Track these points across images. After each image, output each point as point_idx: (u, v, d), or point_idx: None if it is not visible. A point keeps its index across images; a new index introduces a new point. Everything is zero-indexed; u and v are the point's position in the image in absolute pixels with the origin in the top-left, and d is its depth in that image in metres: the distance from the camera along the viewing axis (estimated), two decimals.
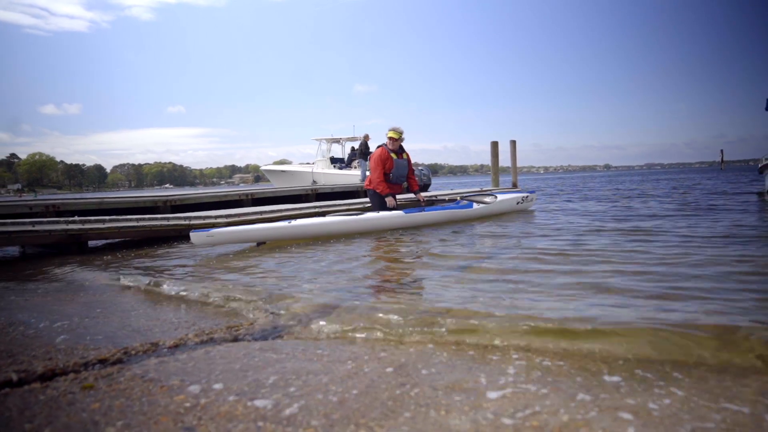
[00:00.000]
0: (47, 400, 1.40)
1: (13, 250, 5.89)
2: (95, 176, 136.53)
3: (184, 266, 4.17)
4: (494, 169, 16.42)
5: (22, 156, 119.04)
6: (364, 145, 17.36)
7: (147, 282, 3.29)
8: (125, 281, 3.44)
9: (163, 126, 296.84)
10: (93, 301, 2.84)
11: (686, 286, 2.59)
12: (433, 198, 9.20)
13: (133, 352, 1.86)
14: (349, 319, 2.20)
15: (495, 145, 16.20)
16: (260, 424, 1.23)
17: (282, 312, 2.43)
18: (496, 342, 1.86)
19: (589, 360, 1.65)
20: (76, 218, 5.28)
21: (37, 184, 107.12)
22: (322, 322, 2.19)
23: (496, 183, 16.34)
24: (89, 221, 5.31)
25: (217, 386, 1.50)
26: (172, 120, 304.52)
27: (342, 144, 23.91)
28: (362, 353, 1.80)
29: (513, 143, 16.88)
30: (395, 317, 2.14)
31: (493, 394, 1.38)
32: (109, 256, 4.95)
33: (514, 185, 16.70)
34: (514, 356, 1.71)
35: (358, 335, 2.05)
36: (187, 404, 1.36)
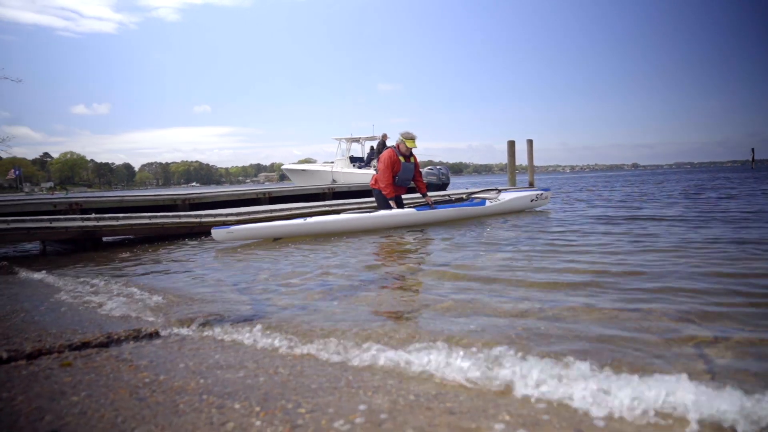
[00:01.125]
0: (28, 375, 1.58)
1: (35, 247, 6.18)
2: (124, 175, 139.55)
3: (187, 261, 4.38)
4: (510, 168, 16.44)
5: (55, 155, 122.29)
6: (382, 145, 17.49)
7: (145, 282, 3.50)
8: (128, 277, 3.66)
9: (190, 125, 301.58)
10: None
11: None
12: (442, 197, 9.31)
13: (115, 337, 2.04)
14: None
15: (512, 145, 16.21)
16: (204, 397, 1.39)
17: (263, 306, 2.60)
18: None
19: None
20: (92, 215, 5.55)
21: (68, 182, 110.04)
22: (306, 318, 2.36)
23: (512, 182, 16.35)
24: (103, 218, 5.57)
25: (181, 365, 1.67)
26: (199, 119, 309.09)
27: (362, 143, 24.12)
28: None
29: (529, 142, 16.88)
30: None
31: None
32: (127, 253, 5.19)
33: (531, 184, 16.69)
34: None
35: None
36: (147, 380, 1.53)
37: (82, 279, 3.53)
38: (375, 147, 18.91)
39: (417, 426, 1.18)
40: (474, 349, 1.66)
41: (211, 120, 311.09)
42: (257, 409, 1.30)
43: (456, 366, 1.54)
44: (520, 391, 1.37)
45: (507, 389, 1.40)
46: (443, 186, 17.96)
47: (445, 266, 3.45)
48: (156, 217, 5.95)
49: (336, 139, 23.96)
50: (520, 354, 1.60)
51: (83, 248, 5.48)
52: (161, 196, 10.98)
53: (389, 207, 6.65)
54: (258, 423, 1.22)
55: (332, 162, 23.57)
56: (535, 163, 17.33)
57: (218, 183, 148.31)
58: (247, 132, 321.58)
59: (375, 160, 18.73)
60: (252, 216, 6.83)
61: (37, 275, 3.84)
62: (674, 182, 19.92)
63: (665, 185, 17.17)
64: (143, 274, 3.79)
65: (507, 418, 1.22)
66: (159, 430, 1.19)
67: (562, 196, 13.10)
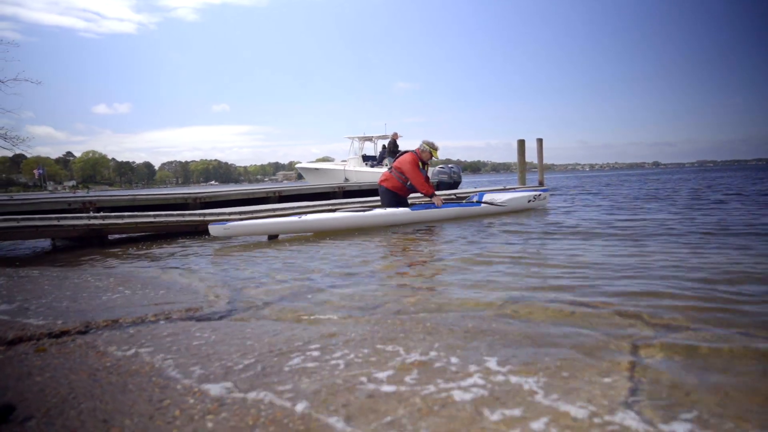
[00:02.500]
0: (3, 359, 1.75)
1: (46, 244, 6.43)
2: (144, 173, 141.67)
3: (178, 256, 4.57)
4: (521, 167, 16.46)
5: (77, 154, 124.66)
6: (393, 144, 17.65)
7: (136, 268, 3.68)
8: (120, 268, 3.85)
9: (209, 124, 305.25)
10: (83, 286, 3.23)
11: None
12: (448, 197, 9.42)
13: (94, 326, 2.21)
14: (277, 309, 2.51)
15: (521, 143, 16.23)
16: (153, 379, 1.54)
17: (237, 300, 2.76)
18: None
19: None
20: (98, 214, 5.79)
21: (90, 181, 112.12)
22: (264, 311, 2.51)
23: (522, 181, 16.37)
24: (109, 217, 5.80)
25: (142, 350, 1.83)
26: (217, 118, 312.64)
27: (374, 142, 24.30)
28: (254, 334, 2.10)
29: (539, 141, 16.89)
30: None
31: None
32: (133, 249, 5.41)
33: (541, 183, 16.68)
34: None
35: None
36: (108, 364, 1.69)
37: (86, 271, 3.72)
38: (386, 146, 19.05)
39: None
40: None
41: (230, 119, 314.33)
42: (195, 389, 1.45)
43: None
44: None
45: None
46: (455, 185, 18.05)
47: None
48: (160, 215, 6.17)
49: (349, 137, 24.18)
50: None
51: (90, 245, 5.72)
52: (172, 195, 11.24)
53: (397, 205, 6.82)
54: (191, 401, 1.37)
55: (345, 161, 23.81)
56: (554, 161, 17.70)
57: (237, 181, 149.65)
58: (265, 130, 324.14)
59: (387, 159, 18.87)
60: (254, 215, 7.02)
61: (49, 270, 4.06)
62: (687, 181, 19.74)
63: (668, 185, 17.05)
64: (142, 268, 3.98)
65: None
66: (102, 405, 1.34)
67: (565, 196, 13.11)
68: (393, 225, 6.50)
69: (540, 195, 8.63)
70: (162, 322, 2.32)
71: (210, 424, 1.22)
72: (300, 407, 1.30)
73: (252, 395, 1.39)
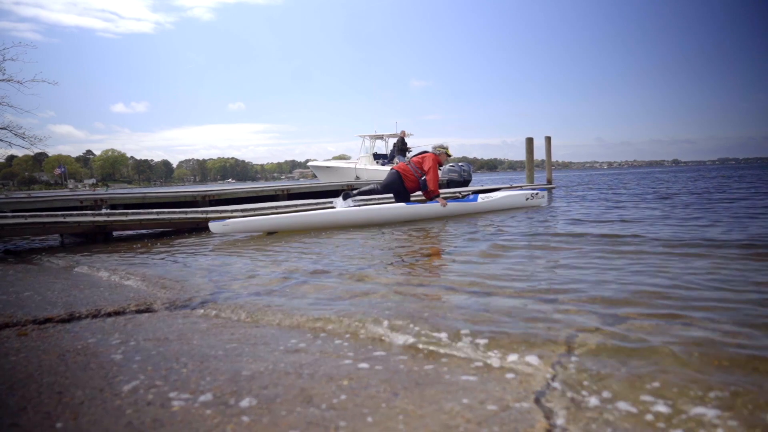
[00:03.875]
0: None
1: (55, 240, 6.67)
2: (162, 171, 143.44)
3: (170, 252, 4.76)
4: (529, 166, 16.48)
5: (97, 152, 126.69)
6: (401, 142, 17.80)
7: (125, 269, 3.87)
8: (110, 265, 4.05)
9: (225, 122, 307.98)
10: (78, 281, 3.43)
11: None
12: (452, 194, 9.54)
13: (77, 315, 2.39)
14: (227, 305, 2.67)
15: (530, 142, 16.25)
16: (113, 357, 1.71)
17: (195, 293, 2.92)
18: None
19: None
20: (102, 211, 6.02)
21: (109, 179, 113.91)
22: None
23: (530, 179, 16.41)
24: (113, 214, 6.03)
25: (115, 335, 2.00)
26: (234, 116, 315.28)
27: (385, 140, 24.46)
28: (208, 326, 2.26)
29: (548, 139, 16.89)
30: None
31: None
32: (137, 245, 5.63)
33: (549, 181, 16.70)
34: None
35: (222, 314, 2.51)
36: (79, 347, 1.86)
37: (88, 265, 3.93)
38: (395, 144, 19.19)
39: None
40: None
41: (246, 117, 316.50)
42: (150, 368, 1.61)
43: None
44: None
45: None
46: (465, 183, 18.13)
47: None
48: (163, 212, 6.38)
49: (360, 136, 24.38)
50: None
51: (95, 241, 5.96)
52: (182, 193, 11.50)
53: (398, 197, 7.03)
54: (142, 377, 1.53)
55: (356, 159, 24.00)
56: (572, 159, 17.82)
57: (254, 179, 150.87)
58: (281, 129, 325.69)
59: (397, 158, 19.01)
60: (254, 212, 7.21)
61: (59, 261, 4.28)
62: (702, 179, 19.56)
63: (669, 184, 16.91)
64: (138, 264, 4.18)
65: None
66: (61, 380, 1.51)
67: (569, 196, 13.14)
68: (389, 221, 6.63)
69: (537, 194, 8.70)
70: (142, 311, 2.50)
71: (150, 396, 1.38)
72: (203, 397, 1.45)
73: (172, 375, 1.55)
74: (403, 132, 18.32)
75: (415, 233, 5.54)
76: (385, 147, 24.42)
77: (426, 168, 7.12)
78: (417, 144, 25.65)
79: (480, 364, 1.64)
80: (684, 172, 42.76)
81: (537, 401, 1.35)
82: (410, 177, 7.17)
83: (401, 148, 17.78)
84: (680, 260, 3.35)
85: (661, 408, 1.28)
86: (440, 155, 7.28)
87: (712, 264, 3.17)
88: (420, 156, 7.29)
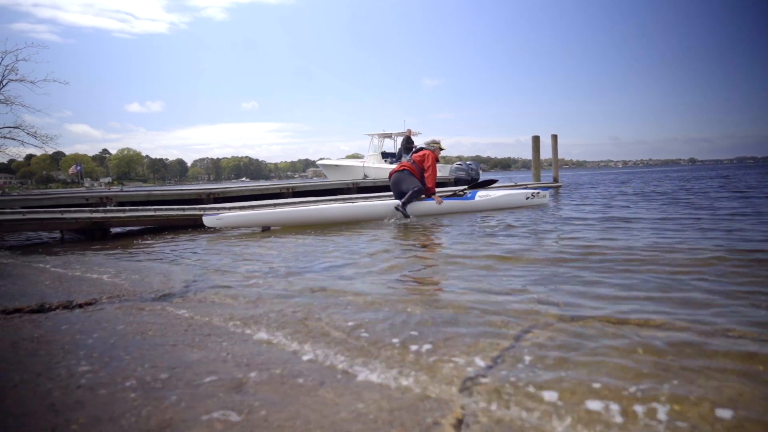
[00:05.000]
0: None
1: (55, 236, 6.81)
2: (177, 170, 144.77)
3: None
4: (535, 164, 16.44)
5: (113, 151, 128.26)
6: (407, 140, 17.82)
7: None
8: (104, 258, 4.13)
9: (239, 121, 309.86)
10: (61, 275, 3.51)
11: None
12: (452, 192, 9.54)
13: (47, 306, 2.46)
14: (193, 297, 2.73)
15: (536, 140, 16.20)
16: (65, 347, 1.77)
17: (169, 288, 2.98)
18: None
19: None
20: (100, 208, 6.13)
21: (125, 177, 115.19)
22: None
23: (537, 177, 16.38)
24: (111, 210, 6.14)
25: (74, 325, 2.06)
26: (247, 115, 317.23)
27: (394, 139, 24.50)
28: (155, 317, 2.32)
29: (554, 137, 16.82)
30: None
31: None
32: (130, 241, 5.73)
33: (555, 179, 16.63)
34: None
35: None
36: (36, 335, 1.93)
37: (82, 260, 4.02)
38: (402, 142, 19.23)
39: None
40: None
41: (259, 116, 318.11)
42: (95, 355, 1.67)
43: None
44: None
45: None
46: (472, 181, 18.14)
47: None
48: (160, 209, 6.49)
49: (368, 134, 24.44)
50: None
51: (93, 237, 6.07)
52: (187, 191, 11.65)
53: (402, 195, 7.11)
54: (84, 362, 1.59)
55: (364, 157, 24.08)
56: (586, 158, 17.58)
57: (267, 178, 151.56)
58: (294, 128, 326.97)
59: (404, 156, 19.05)
60: (254, 210, 7.28)
61: (50, 257, 4.39)
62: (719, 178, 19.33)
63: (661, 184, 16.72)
64: (125, 259, 4.26)
65: None
66: (6, 365, 1.57)
67: (572, 194, 13.08)
68: (382, 217, 6.68)
69: (539, 193, 8.67)
70: (113, 302, 2.56)
71: (83, 381, 1.44)
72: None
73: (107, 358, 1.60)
74: (409, 131, 18.34)
75: (411, 231, 5.58)
76: (393, 145, 24.47)
77: (426, 166, 7.21)
78: (420, 143, 25.69)
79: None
80: (702, 170, 42.30)
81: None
82: (415, 173, 7.23)
83: (407, 146, 17.78)
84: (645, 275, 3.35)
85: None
86: (435, 151, 7.43)
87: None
88: (420, 154, 7.35)
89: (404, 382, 1.44)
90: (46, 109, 20.21)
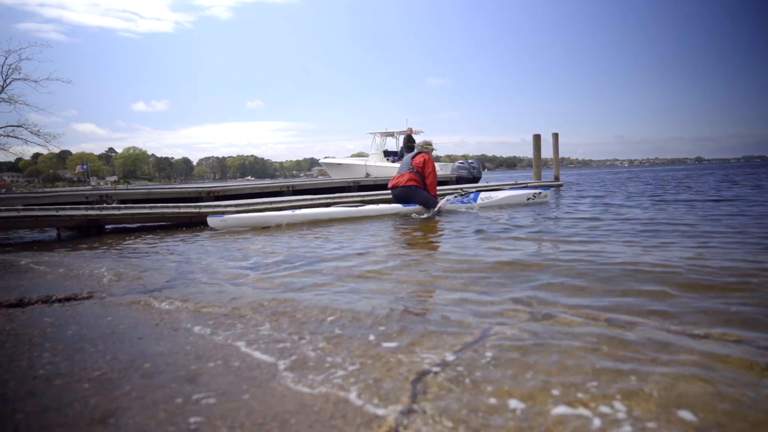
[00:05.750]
0: None
1: (52, 234, 6.86)
2: (183, 169, 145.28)
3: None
4: (536, 163, 16.41)
5: (119, 150, 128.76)
6: (408, 139, 17.86)
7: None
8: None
9: (244, 120, 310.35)
10: (42, 272, 3.56)
11: None
12: (453, 191, 9.56)
13: (26, 301, 2.50)
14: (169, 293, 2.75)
15: (537, 138, 16.16)
16: (33, 339, 1.80)
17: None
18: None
19: None
20: (95, 205, 6.17)
21: (131, 176, 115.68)
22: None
23: (538, 176, 16.34)
24: (106, 208, 6.17)
25: (47, 319, 2.10)
26: (252, 114, 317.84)
27: (396, 137, 24.56)
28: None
29: (555, 136, 16.77)
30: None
31: None
32: (127, 239, 5.77)
33: (556, 178, 16.59)
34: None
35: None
36: (8, 327, 1.96)
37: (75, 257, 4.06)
38: (403, 141, 19.27)
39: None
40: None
41: (264, 115, 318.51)
42: (60, 347, 1.70)
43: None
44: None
45: None
46: (474, 180, 18.14)
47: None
48: (156, 207, 6.52)
49: (370, 133, 24.50)
50: None
51: (88, 234, 6.12)
52: (186, 189, 11.69)
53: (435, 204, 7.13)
54: (47, 355, 1.62)
55: (367, 156, 24.14)
56: (591, 157, 17.46)
57: (272, 177, 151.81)
58: (299, 127, 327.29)
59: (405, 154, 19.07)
60: (250, 207, 7.31)
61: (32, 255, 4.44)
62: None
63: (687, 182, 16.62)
64: (111, 257, 4.30)
65: None
66: None
67: (572, 194, 13.08)
68: (380, 216, 6.70)
69: (540, 193, 8.69)
70: (91, 298, 2.59)
71: (41, 372, 1.46)
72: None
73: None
74: (410, 129, 18.38)
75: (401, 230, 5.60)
76: (395, 144, 24.54)
77: (427, 172, 7.19)
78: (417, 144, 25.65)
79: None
80: (711, 169, 42.07)
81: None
82: (419, 182, 7.22)
83: (408, 145, 17.81)
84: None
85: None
86: (430, 151, 7.48)
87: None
88: (420, 159, 7.33)
89: (353, 379, 1.46)
90: (50, 108, 20.24)
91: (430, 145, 7.57)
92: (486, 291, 2.49)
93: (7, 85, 17.13)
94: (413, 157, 7.44)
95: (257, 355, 1.64)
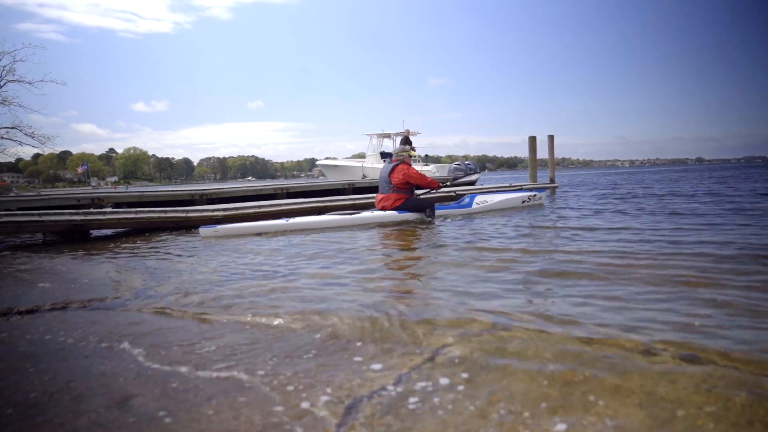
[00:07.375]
0: None
1: (38, 238, 6.84)
2: (183, 169, 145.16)
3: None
4: (532, 164, 16.39)
5: (119, 150, 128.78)
6: (405, 140, 17.86)
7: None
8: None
9: (244, 120, 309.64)
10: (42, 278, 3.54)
11: None
12: (447, 194, 9.56)
13: (14, 310, 2.50)
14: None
15: (533, 140, 16.15)
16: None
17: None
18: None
19: None
20: (80, 210, 6.15)
21: (131, 176, 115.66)
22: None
23: (533, 178, 16.32)
24: (91, 213, 6.16)
25: (4, 333, 2.08)
26: (252, 115, 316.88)
27: (393, 139, 24.50)
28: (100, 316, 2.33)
29: (551, 138, 16.76)
30: None
31: None
32: (111, 244, 5.76)
33: (551, 180, 16.57)
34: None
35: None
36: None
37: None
38: (400, 142, 19.25)
39: None
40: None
41: (265, 115, 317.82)
42: (0, 367, 1.68)
43: None
44: None
45: None
46: (471, 182, 18.14)
47: None
48: (142, 212, 6.49)
49: (367, 134, 24.46)
50: None
51: (73, 240, 6.10)
52: (179, 192, 11.66)
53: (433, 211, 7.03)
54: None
55: (363, 158, 24.12)
56: (592, 157, 17.39)
57: (273, 177, 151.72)
58: (300, 127, 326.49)
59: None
60: (239, 212, 7.27)
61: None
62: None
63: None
64: (92, 262, 4.29)
65: None
66: None
67: (569, 195, 13.07)
68: (384, 225, 6.61)
69: (535, 195, 8.69)
70: (75, 305, 2.58)
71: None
72: None
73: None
74: (407, 131, 18.35)
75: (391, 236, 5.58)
76: (392, 145, 24.48)
77: (414, 179, 6.89)
78: (425, 143, 25.66)
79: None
80: (710, 170, 42.03)
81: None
82: (405, 197, 6.96)
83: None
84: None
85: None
86: (406, 159, 7.11)
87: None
88: (398, 175, 6.94)
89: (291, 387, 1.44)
90: (45, 110, 20.25)
91: (406, 151, 7.22)
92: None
93: (1, 87, 17.13)
94: (390, 172, 7.03)
95: (198, 377, 1.62)
